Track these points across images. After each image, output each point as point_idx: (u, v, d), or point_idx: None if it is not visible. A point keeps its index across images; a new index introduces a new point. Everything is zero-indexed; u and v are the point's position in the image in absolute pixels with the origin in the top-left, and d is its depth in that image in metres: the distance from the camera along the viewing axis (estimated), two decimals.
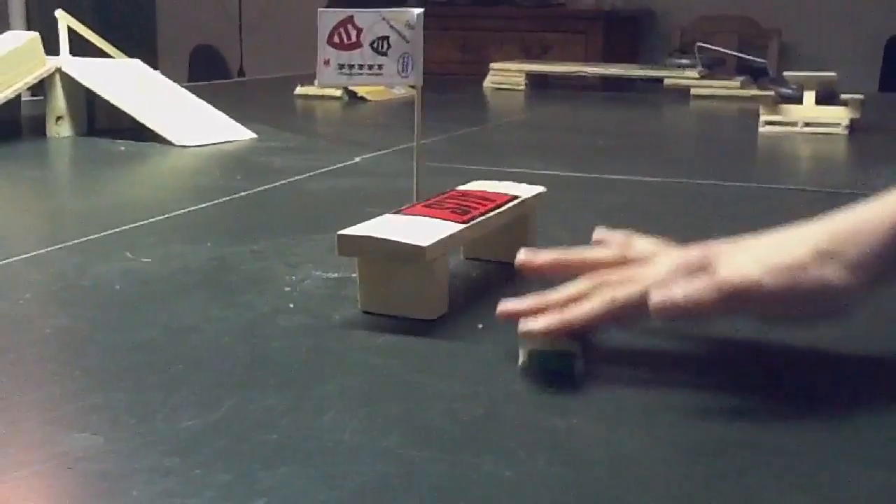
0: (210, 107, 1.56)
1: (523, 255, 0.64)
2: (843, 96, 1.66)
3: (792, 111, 1.65)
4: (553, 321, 0.57)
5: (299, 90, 2.13)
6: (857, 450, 0.49)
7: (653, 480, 0.45)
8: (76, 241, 0.87)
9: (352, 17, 0.75)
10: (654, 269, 0.60)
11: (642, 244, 0.65)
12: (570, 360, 0.56)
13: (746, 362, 0.62)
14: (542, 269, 0.63)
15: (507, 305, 0.60)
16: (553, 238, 0.85)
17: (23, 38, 1.46)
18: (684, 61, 2.39)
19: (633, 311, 0.57)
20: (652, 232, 1.00)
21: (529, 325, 0.58)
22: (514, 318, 0.59)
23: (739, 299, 0.55)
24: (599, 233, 0.68)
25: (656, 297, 0.54)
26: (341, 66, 0.76)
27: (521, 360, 0.57)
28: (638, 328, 0.61)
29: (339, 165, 1.28)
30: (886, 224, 0.56)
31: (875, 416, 0.53)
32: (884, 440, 0.50)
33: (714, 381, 0.58)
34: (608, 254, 0.65)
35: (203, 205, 1.04)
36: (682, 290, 0.54)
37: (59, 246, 0.86)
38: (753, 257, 0.57)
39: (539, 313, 0.59)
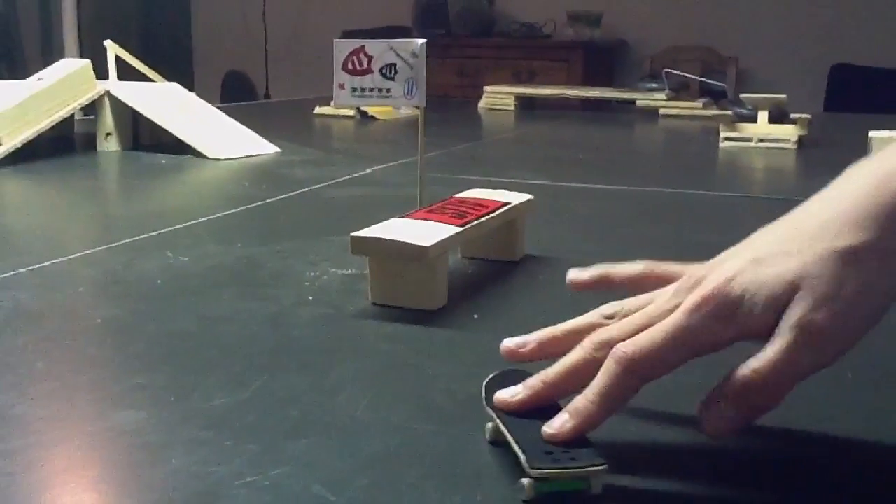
0: (240, 125, 1.56)
1: (510, 345, 0.50)
2: (793, 115, 1.66)
3: (748, 128, 1.65)
4: (583, 414, 0.42)
5: (318, 110, 2.13)
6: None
7: (625, 452, 0.45)
8: (123, 242, 0.87)
9: (363, 46, 0.75)
10: (663, 293, 0.46)
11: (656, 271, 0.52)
12: (588, 483, 0.40)
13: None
14: (532, 355, 0.49)
15: (503, 394, 0.45)
16: (539, 239, 0.85)
17: (76, 65, 1.46)
18: (654, 85, 2.39)
19: (660, 360, 0.43)
20: (626, 233, 1.00)
21: (555, 427, 0.42)
22: (513, 409, 0.44)
23: (791, 379, 0.41)
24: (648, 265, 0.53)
25: (706, 417, 0.43)
26: (354, 90, 0.76)
27: (525, 488, 0.39)
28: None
29: (352, 176, 1.28)
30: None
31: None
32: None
33: None
34: (641, 268, 0.53)
35: (233, 210, 1.04)
36: (729, 404, 0.42)
37: (109, 246, 0.86)
38: (784, 287, 0.42)
39: (533, 402, 0.44)
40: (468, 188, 0.83)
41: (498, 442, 0.44)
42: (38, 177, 1.27)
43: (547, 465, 0.39)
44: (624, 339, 0.43)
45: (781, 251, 0.43)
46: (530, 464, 0.39)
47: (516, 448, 0.41)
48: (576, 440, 0.42)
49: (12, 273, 0.75)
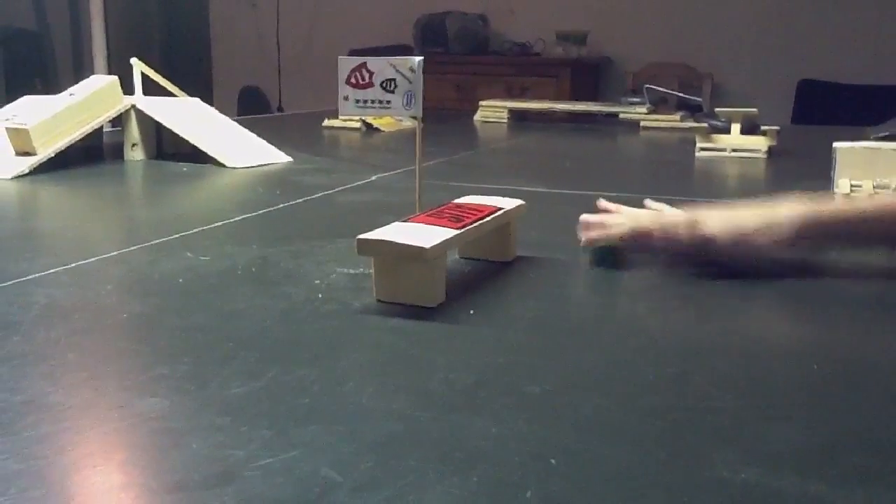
0: (255, 136, 1.55)
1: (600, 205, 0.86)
2: (763, 128, 1.66)
3: (722, 139, 1.65)
4: (594, 234, 0.79)
5: (326, 122, 2.12)
6: (774, 410, 0.49)
7: (609, 437, 0.45)
8: (148, 244, 0.87)
9: (365, 63, 0.76)
10: (665, 213, 0.81)
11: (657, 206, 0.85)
12: (615, 253, 0.78)
13: (693, 337, 0.62)
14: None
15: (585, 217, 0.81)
16: (530, 241, 0.85)
17: (104, 81, 1.46)
18: (635, 100, 2.39)
19: (643, 235, 0.77)
20: None
21: (588, 219, 0.80)
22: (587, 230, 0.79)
23: (702, 241, 0.75)
24: (651, 203, 0.86)
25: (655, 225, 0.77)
26: (357, 101, 0.76)
27: (590, 258, 0.78)
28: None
29: (358, 183, 1.28)
30: (798, 219, 0.75)
31: (789, 379, 0.53)
32: (795, 401, 0.50)
33: (659, 355, 0.58)
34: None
35: (249, 214, 1.04)
36: (674, 231, 0.76)
37: (134, 247, 0.86)
38: (720, 221, 0.76)
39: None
40: (464, 194, 0.83)
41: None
42: (69, 183, 1.27)
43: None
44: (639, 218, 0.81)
45: (729, 212, 0.77)
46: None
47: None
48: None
49: (46, 272, 0.75)
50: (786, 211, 0.77)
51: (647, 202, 0.87)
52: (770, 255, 0.76)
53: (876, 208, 0.80)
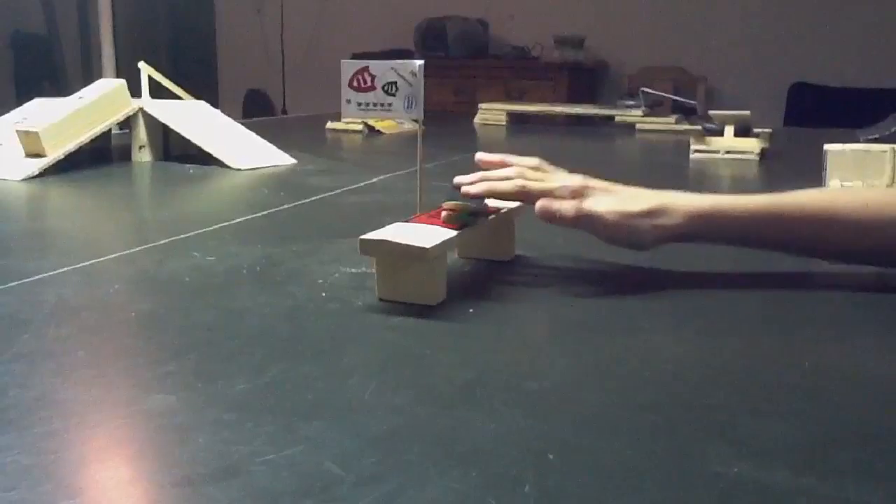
0: (260, 138, 1.55)
1: (479, 155, 0.78)
2: (756, 130, 1.66)
3: (715, 142, 1.65)
4: (485, 186, 0.72)
5: (329, 125, 2.12)
6: (766, 407, 0.49)
7: (605, 432, 0.45)
8: (155, 244, 0.87)
9: (367, 67, 0.75)
10: (552, 177, 0.74)
11: (545, 165, 0.77)
12: (476, 215, 0.72)
13: (683, 328, 0.62)
14: (489, 164, 0.77)
15: (459, 179, 0.74)
16: (526, 240, 0.85)
17: (113, 84, 1.46)
18: (631, 103, 2.39)
19: (533, 197, 0.71)
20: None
21: (468, 187, 0.72)
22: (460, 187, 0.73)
23: (588, 223, 0.70)
24: (511, 158, 0.78)
25: (540, 204, 0.70)
26: (359, 104, 0.76)
27: (443, 214, 0.69)
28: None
29: (360, 184, 1.28)
30: (695, 210, 0.71)
31: (781, 376, 0.53)
32: (787, 398, 0.50)
33: (654, 353, 0.58)
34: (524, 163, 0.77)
35: (254, 215, 1.04)
36: (557, 206, 0.69)
37: (142, 247, 0.86)
38: (611, 201, 0.71)
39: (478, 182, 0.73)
40: None
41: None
42: (78, 185, 1.27)
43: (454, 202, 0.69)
44: (529, 177, 0.74)
45: (618, 193, 0.73)
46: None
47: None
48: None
49: (56, 271, 0.75)
50: (683, 200, 0.72)
51: (513, 159, 0.78)
52: (653, 244, 0.71)
53: (797, 207, 0.72)
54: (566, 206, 0.69)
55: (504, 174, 0.74)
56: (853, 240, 0.71)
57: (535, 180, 0.73)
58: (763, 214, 0.71)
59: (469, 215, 0.70)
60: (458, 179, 0.73)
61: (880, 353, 0.59)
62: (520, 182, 0.72)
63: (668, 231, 0.70)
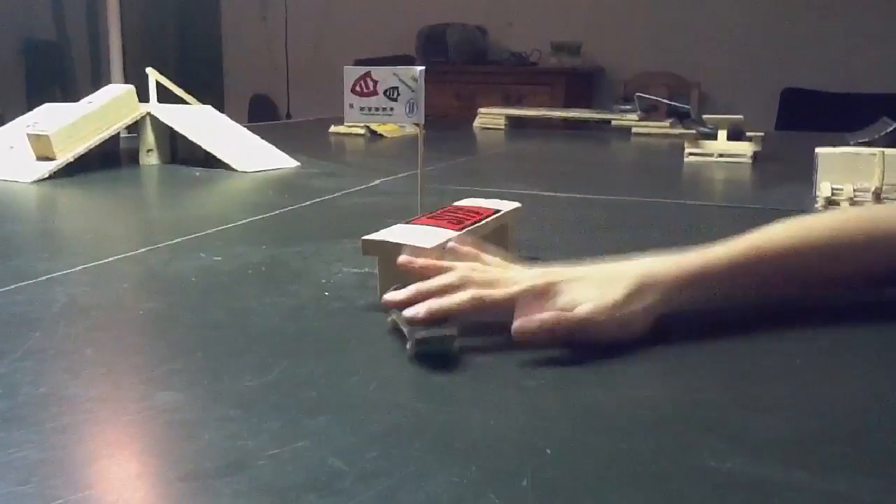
0: (264, 142, 1.56)
1: (388, 297, 0.59)
2: (749, 134, 1.66)
3: (709, 145, 1.65)
4: (434, 307, 0.55)
5: (332, 129, 2.12)
6: (758, 403, 0.49)
7: (602, 428, 0.45)
8: (162, 244, 0.87)
9: (369, 72, 0.76)
10: (510, 275, 0.60)
11: (489, 256, 0.64)
12: (451, 343, 0.54)
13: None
14: (405, 303, 0.57)
15: (391, 296, 0.58)
16: (526, 241, 0.85)
17: (121, 90, 1.46)
18: (627, 107, 2.38)
19: (493, 308, 0.57)
20: (602, 236, 1.00)
21: (413, 312, 0.55)
22: (398, 306, 0.57)
23: (578, 330, 0.56)
24: (453, 244, 0.64)
25: (518, 324, 0.55)
26: (362, 109, 0.76)
27: (409, 347, 0.53)
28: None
29: (363, 187, 1.28)
30: (688, 274, 0.60)
31: (768, 372, 0.53)
32: (779, 395, 0.50)
33: (649, 350, 0.58)
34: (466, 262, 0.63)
35: (259, 216, 1.04)
36: (537, 322, 0.55)
37: (150, 248, 0.86)
38: (588, 294, 0.57)
39: (418, 302, 0.56)
40: (464, 197, 0.83)
41: (395, 330, 0.57)
42: (88, 187, 1.27)
43: (422, 332, 0.53)
44: (479, 282, 0.59)
45: (591, 279, 0.59)
46: (410, 334, 0.54)
47: (404, 328, 0.55)
48: (440, 321, 0.55)
49: (66, 271, 0.75)
50: (662, 267, 0.60)
51: (455, 245, 0.64)
52: (645, 327, 0.58)
53: (743, 253, 0.63)
54: (546, 319, 0.55)
55: (445, 282, 0.58)
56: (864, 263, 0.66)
57: (485, 283, 0.59)
58: (745, 259, 0.62)
59: (440, 343, 0.54)
60: (389, 297, 0.59)
61: (868, 354, 0.59)
62: (471, 293, 0.57)
63: (659, 310, 0.59)
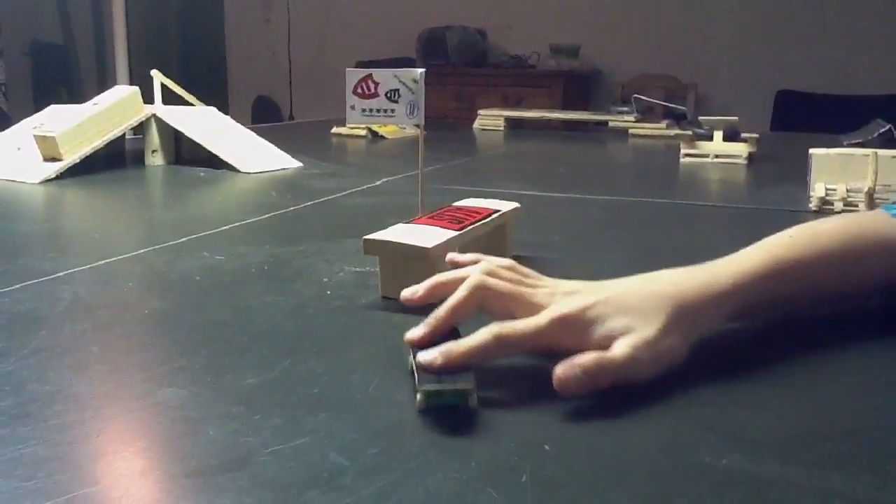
0: (267, 143, 1.55)
1: (406, 294, 0.55)
2: (744, 135, 1.66)
3: (705, 146, 1.65)
4: (452, 352, 0.47)
5: (334, 130, 2.12)
6: (755, 402, 0.49)
7: (600, 425, 0.45)
8: (167, 244, 0.87)
9: (371, 74, 0.75)
10: (529, 287, 0.53)
11: (494, 257, 0.58)
12: (466, 397, 0.46)
13: None
14: (424, 299, 0.53)
15: (412, 333, 0.51)
16: (525, 241, 0.85)
17: (126, 91, 1.46)
18: (624, 109, 2.39)
19: (520, 344, 0.49)
20: (599, 236, 1.00)
21: (429, 357, 0.47)
22: (420, 344, 0.50)
23: (621, 374, 0.48)
24: (452, 256, 0.58)
25: (560, 374, 0.47)
26: (363, 110, 0.76)
27: (418, 399, 0.45)
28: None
29: (364, 187, 1.28)
30: (721, 294, 0.54)
31: (766, 375, 0.53)
32: (775, 394, 0.50)
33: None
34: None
35: (262, 216, 1.04)
36: (580, 369, 0.47)
37: (154, 247, 0.86)
38: (623, 322, 0.50)
39: (432, 334, 0.50)
40: (464, 197, 0.83)
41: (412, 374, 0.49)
42: (93, 187, 1.27)
43: (433, 384, 0.45)
44: (496, 291, 0.52)
45: (626, 303, 0.51)
46: (420, 383, 0.45)
47: (414, 373, 0.47)
48: (459, 368, 0.47)
49: (72, 270, 0.75)
50: (692, 288, 0.53)
51: (456, 257, 0.59)
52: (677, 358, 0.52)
53: (765, 267, 0.57)
54: (589, 365, 0.47)
55: (462, 294, 0.52)
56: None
57: (508, 294, 0.52)
58: (771, 272, 0.57)
59: (454, 397, 0.46)
60: (410, 334, 0.51)
61: (861, 353, 0.59)
62: (494, 330, 0.49)
63: (694, 336, 0.53)
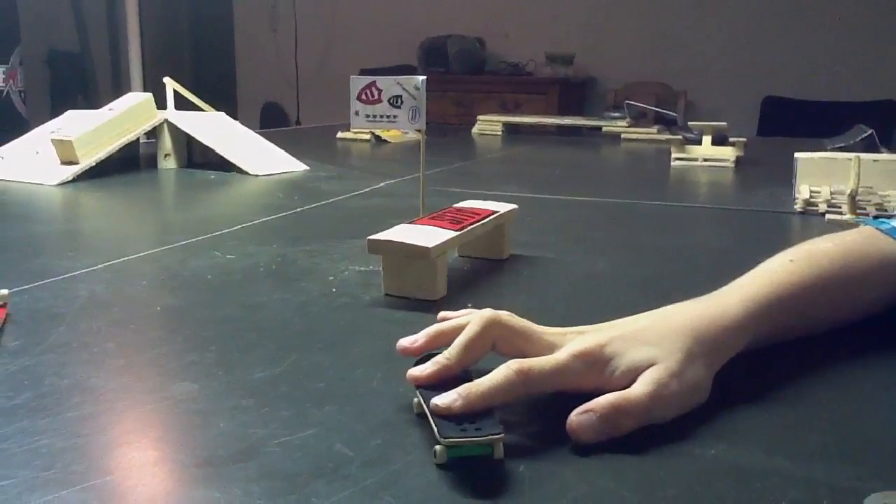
0: (275, 147, 1.55)
1: (405, 343, 0.48)
2: (731, 139, 1.66)
3: (694, 150, 1.65)
4: (473, 395, 0.41)
5: (340, 135, 2.12)
6: (742, 395, 0.49)
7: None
8: (179, 244, 0.87)
9: (374, 81, 0.76)
10: (550, 335, 0.47)
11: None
12: (492, 447, 0.39)
13: None
14: (424, 349, 0.48)
15: (415, 371, 0.45)
16: (522, 241, 0.85)
17: (140, 98, 1.46)
18: (617, 114, 2.39)
19: (542, 382, 0.44)
20: (594, 236, 1.00)
21: (447, 401, 0.41)
22: (425, 384, 0.44)
23: (645, 417, 0.43)
24: (444, 314, 0.53)
25: (575, 420, 0.42)
26: (367, 116, 0.76)
27: (437, 451, 0.39)
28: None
29: (368, 189, 1.28)
30: (736, 323, 0.50)
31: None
32: (761, 387, 0.50)
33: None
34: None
35: (270, 217, 1.04)
36: (597, 416, 0.42)
37: (167, 247, 0.86)
38: (643, 353, 0.45)
39: (440, 374, 0.44)
40: (463, 199, 0.83)
41: (422, 415, 0.42)
42: (108, 190, 1.27)
43: (456, 435, 0.38)
44: (510, 327, 0.47)
45: (644, 337, 0.47)
46: (442, 433, 0.38)
47: (431, 420, 0.40)
48: (481, 412, 0.40)
49: (88, 269, 0.75)
50: (704, 318, 0.49)
51: (447, 314, 0.52)
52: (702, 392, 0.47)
53: (775, 294, 0.53)
54: (606, 410, 0.42)
55: (473, 333, 0.46)
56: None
57: (519, 332, 0.47)
58: (783, 300, 0.54)
59: (479, 448, 0.39)
60: (414, 372, 0.45)
61: (844, 347, 0.59)
62: (515, 366, 0.43)
63: (714, 369, 0.48)
